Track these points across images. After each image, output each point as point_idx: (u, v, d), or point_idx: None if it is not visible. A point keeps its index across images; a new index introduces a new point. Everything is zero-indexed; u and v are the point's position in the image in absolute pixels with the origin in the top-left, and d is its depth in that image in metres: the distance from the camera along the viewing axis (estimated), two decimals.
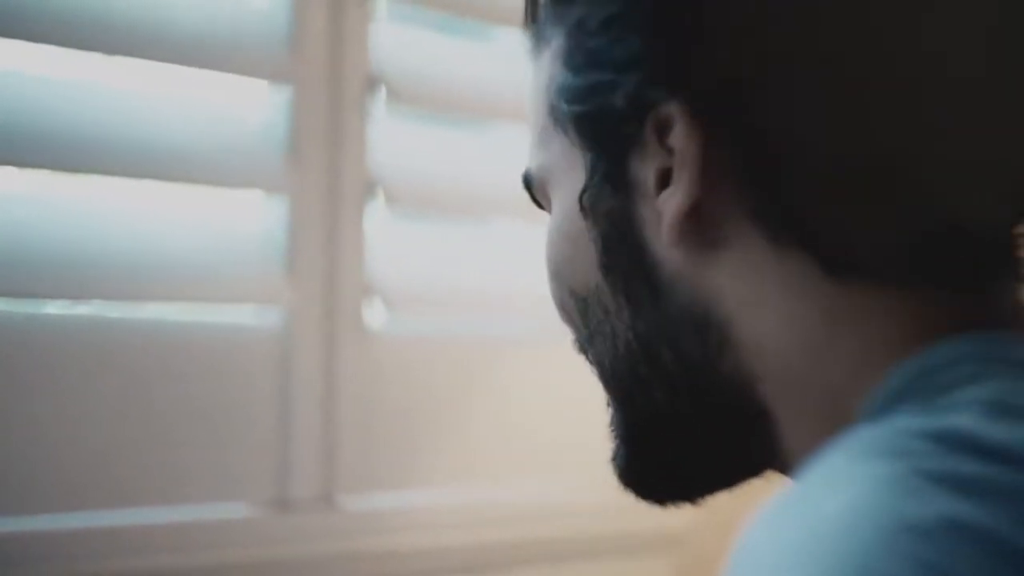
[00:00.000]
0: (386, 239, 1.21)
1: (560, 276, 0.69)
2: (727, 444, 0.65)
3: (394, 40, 1.20)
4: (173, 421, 1.04)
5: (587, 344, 0.69)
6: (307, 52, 1.13)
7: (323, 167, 1.14)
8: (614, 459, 0.70)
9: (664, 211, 0.61)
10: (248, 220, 1.16)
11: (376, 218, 1.19)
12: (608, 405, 0.70)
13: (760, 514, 0.50)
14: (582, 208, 0.65)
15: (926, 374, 0.54)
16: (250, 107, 1.15)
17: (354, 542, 1.15)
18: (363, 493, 1.17)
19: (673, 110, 0.60)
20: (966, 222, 0.58)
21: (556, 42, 0.67)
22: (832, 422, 0.57)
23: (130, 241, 1.04)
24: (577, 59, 0.65)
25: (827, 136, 0.58)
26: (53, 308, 1.03)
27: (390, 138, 1.20)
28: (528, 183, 0.71)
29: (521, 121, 1.25)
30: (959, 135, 0.58)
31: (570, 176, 0.66)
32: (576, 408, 1.25)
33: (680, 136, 0.60)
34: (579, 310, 0.68)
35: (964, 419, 0.50)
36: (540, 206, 0.72)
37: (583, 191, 0.65)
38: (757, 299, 0.60)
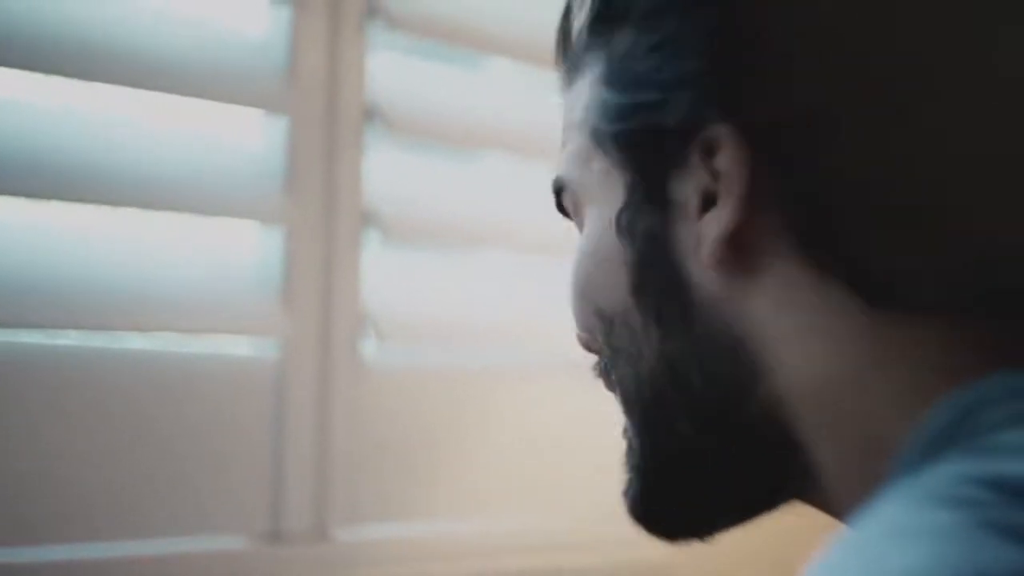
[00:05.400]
0: (382, 270, 1.20)
1: (586, 295, 0.68)
2: (753, 478, 0.64)
3: (390, 70, 1.21)
4: (166, 452, 1.04)
5: (610, 367, 0.67)
6: (303, 82, 1.13)
7: (319, 197, 1.14)
8: (626, 492, 0.68)
9: (705, 233, 0.61)
10: (243, 250, 1.15)
11: (372, 249, 1.19)
12: (625, 434, 0.68)
13: (819, 566, 0.48)
14: (619, 227, 0.65)
15: (972, 411, 0.53)
16: (246, 137, 1.15)
17: (348, 574, 1.15)
18: (357, 525, 1.16)
19: (722, 132, 0.60)
20: (1015, 252, 0.58)
21: (597, 68, 0.66)
22: (874, 456, 0.57)
23: (124, 271, 1.04)
24: (623, 80, 0.64)
25: (876, 167, 0.58)
26: (44, 337, 1.03)
27: (386, 169, 1.20)
28: (559, 191, 0.71)
29: (517, 151, 1.26)
30: (1009, 166, 0.58)
31: (607, 196, 0.66)
32: (570, 441, 1.25)
33: (727, 159, 0.60)
34: (603, 330, 0.67)
35: (1015, 464, 0.49)
36: (566, 215, 0.72)
37: (621, 210, 0.64)
38: (795, 329, 0.59)
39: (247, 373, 1.11)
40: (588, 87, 0.67)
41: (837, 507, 0.61)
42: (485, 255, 1.38)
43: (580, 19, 0.69)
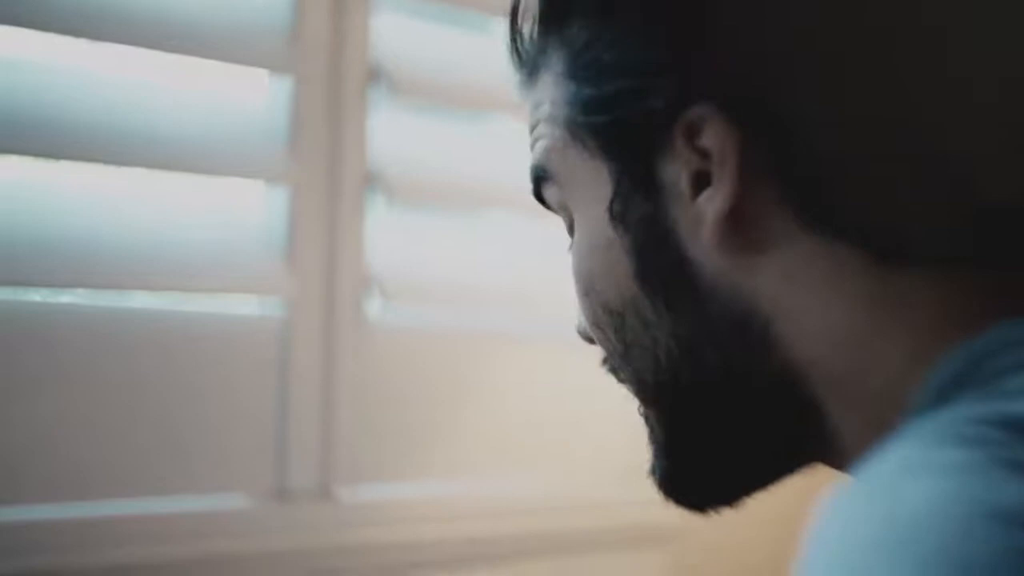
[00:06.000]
0: (386, 231, 1.21)
1: (592, 292, 0.68)
2: (776, 444, 0.65)
3: (395, 32, 1.20)
4: (172, 411, 1.04)
5: (622, 361, 0.67)
6: (308, 42, 1.13)
7: (323, 158, 1.14)
8: (653, 471, 0.69)
9: (705, 213, 0.61)
10: (248, 210, 1.16)
11: (376, 209, 1.19)
12: (645, 417, 0.69)
13: (833, 504, 0.49)
14: (612, 218, 0.65)
15: (981, 359, 0.54)
16: (251, 97, 1.15)
17: (351, 533, 1.15)
18: (360, 484, 1.17)
19: (704, 112, 0.60)
20: (1010, 199, 0.58)
21: (558, 64, 0.66)
22: (888, 411, 0.57)
23: (130, 230, 1.04)
24: (592, 71, 0.64)
25: (865, 122, 0.58)
26: (50, 296, 1.03)
27: (390, 130, 1.20)
28: (540, 179, 0.70)
29: (522, 114, 1.25)
30: (995, 109, 0.58)
31: (593, 188, 0.66)
32: (573, 402, 1.25)
33: (714, 137, 0.60)
34: (614, 325, 0.67)
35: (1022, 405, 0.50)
36: (543, 204, 0.71)
37: (612, 200, 0.64)
38: (803, 294, 0.60)
39: (252, 332, 1.11)
40: (552, 84, 0.67)
41: (854, 465, 0.61)
42: (489, 217, 1.38)
43: (528, 19, 0.69)
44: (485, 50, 1.31)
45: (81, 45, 1.05)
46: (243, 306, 1.16)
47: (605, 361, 0.70)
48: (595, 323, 0.68)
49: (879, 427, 0.57)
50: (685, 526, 1.34)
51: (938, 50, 0.58)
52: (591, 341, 0.70)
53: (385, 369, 1.18)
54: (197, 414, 1.06)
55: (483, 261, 1.31)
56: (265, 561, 1.09)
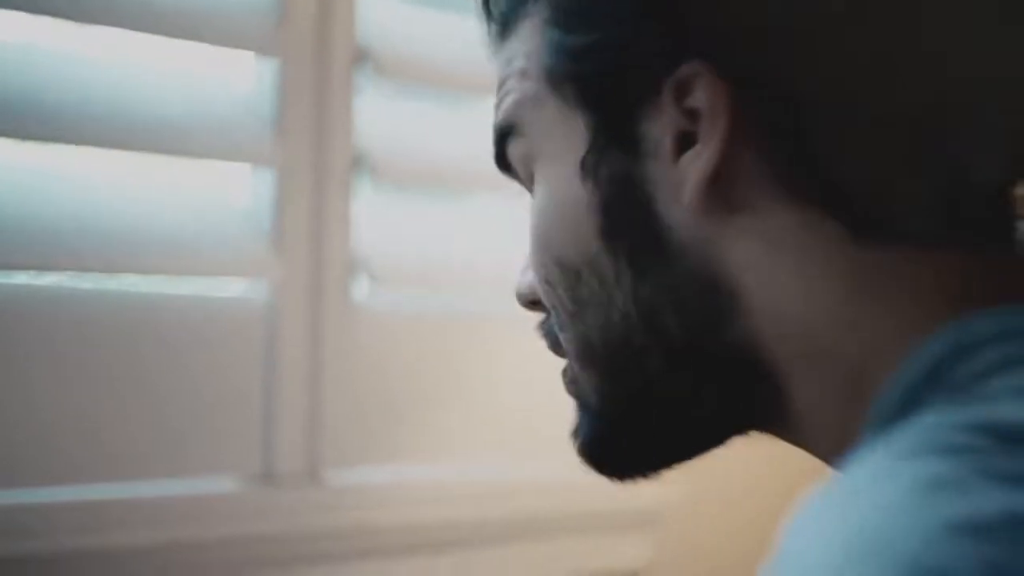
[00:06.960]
0: (373, 213, 1.20)
1: (548, 246, 0.65)
2: (717, 415, 0.63)
3: (382, 14, 1.20)
4: (158, 394, 1.04)
5: (569, 320, 0.65)
6: (294, 24, 1.12)
7: (310, 140, 1.13)
8: (575, 435, 0.68)
9: (688, 174, 0.59)
10: (234, 193, 1.15)
11: (363, 192, 1.19)
12: (571, 381, 0.67)
13: (804, 511, 0.48)
14: (583, 171, 0.63)
15: (958, 355, 0.53)
16: (237, 79, 1.14)
17: (339, 517, 1.15)
18: (348, 468, 1.17)
19: (695, 69, 0.58)
20: (990, 181, 0.58)
21: (542, 12, 0.64)
22: (857, 390, 0.56)
23: (116, 213, 1.04)
24: (578, 18, 0.62)
25: (855, 92, 0.57)
26: (35, 278, 1.03)
27: (377, 112, 1.20)
28: (506, 135, 0.67)
29: None
30: (979, 87, 0.58)
31: (566, 141, 0.64)
32: (561, 385, 1.25)
33: (704, 97, 0.58)
34: (567, 282, 0.65)
35: (1009, 409, 0.48)
36: (507, 171, 0.69)
37: (586, 153, 0.62)
38: (778, 264, 0.59)
39: (238, 315, 1.11)
40: (531, 35, 0.65)
41: (815, 444, 0.61)
42: (477, 200, 1.38)
43: None
44: (473, 32, 1.30)
45: (66, 27, 1.05)
46: (229, 289, 1.15)
47: (543, 324, 0.68)
48: (545, 279, 0.66)
49: (847, 408, 0.57)
50: (671, 510, 1.35)
51: (941, 32, 0.58)
52: (531, 305, 0.69)
53: (372, 352, 1.18)
54: (183, 397, 1.05)
55: (471, 244, 1.31)
56: (252, 544, 1.09)
